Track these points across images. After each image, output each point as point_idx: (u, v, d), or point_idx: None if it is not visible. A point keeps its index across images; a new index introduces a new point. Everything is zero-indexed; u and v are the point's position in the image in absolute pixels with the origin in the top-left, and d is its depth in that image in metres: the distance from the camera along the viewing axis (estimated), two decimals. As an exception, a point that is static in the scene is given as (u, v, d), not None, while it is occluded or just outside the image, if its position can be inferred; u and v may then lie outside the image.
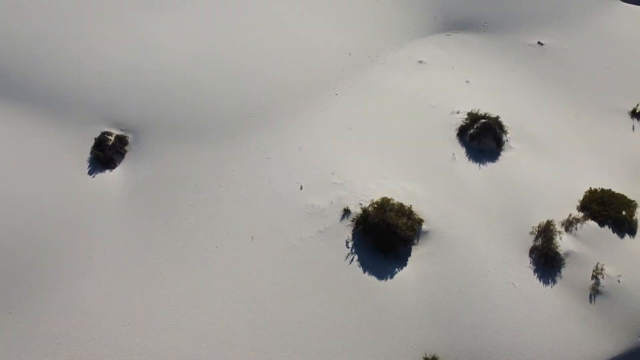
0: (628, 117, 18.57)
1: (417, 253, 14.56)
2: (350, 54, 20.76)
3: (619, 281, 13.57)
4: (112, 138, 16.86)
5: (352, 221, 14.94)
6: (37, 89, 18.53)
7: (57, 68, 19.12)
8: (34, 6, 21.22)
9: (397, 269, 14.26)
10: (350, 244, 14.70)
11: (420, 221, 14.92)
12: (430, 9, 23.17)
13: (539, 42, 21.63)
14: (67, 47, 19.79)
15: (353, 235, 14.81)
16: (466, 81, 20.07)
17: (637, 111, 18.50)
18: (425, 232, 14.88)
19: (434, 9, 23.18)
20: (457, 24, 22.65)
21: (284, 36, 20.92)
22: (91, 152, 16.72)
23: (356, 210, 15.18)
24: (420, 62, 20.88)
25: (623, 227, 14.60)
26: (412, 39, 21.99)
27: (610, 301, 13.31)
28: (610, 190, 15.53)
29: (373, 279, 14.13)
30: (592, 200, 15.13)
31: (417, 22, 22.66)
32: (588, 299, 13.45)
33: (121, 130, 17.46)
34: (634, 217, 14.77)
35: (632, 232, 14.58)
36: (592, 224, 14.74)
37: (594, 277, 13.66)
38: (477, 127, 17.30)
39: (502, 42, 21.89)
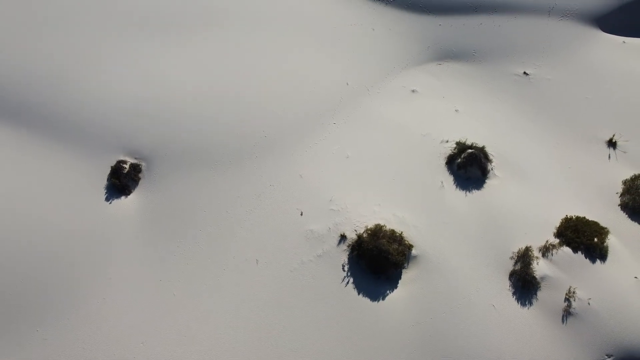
0: (605, 146, 20.00)
1: (407, 276, 15.98)
2: (347, 84, 22.19)
3: (589, 303, 14.98)
4: (127, 166, 18.29)
5: (348, 246, 16.36)
6: (57, 121, 19.97)
7: (75, 100, 20.55)
8: (53, 43, 22.66)
9: (388, 291, 15.68)
10: (346, 268, 16.12)
11: (410, 246, 16.34)
12: (423, 38, 24.62)
13: (524, 72, 23.07)
14: (83, 81, 21.23)
15: (349, 259, 16.23)
16: (455, 110, 21.51)
17: (613, 141, 19.93)
18: (415, 257, 16.31)
19: (427, 38, 24.62)
20: (448, 53, 24.10)
21: (286, 69, 22.35)
22: (108, 180, 18.15)
23: (352, 235, 16.61)
24: (413, 91, 22.33)
25: (594, 253, 16.01)
26: (406, 68, 23.45)
27: (581, 322, 14.73)
28: (584, 218, 16.95)
29: (366, 299, 15.54)
30: (567, 227, 16.56)
31: (410, 52, 24.11)
32: (561, 320, 14.88)
33: (135, 158, 18.90)
34: (605, 244, 16.18)
35: (603, 258, 15.99)
36: (566, 249, 16.16)
37: (567, 299, 15.08)
38: (464, 157, 18.73)
39: (491, 71, 23.33)
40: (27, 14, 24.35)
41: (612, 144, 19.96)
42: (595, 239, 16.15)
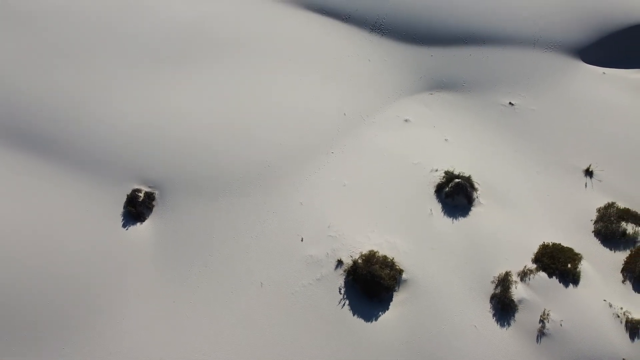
0: (582, 175, 21.65)
1: (398, 298, 17.62)
2: (345, 114, 23.86)
3: (561, 325, 16.61)
4: (142, 195, 19.94)
5: (345, 271, 18.01)
6: (75, 150, 21.63)
7: (91, 131, 22.22)
8: (69, 76, 24.34)
9: (380, 312, 17.32)
10: (342, 291, 17.77)
11: (400, 271, 17.99)
12: (416, 68, 26.30)
13: (510, 103, 24.74)
14: (98, 112, 22.92)
15: (345, 283, 17.88)
16: (445, 139, 23.18)
17: (590, 170, 21.59)
18: (405, 281, 17.95)
19: (420, 69, 26.30)
20: (439, 84, 25.77)
21: (288, 100, 24.02)
22: (124, 207, 19.79)
23: (348, 261, 18.25)
24: (406, 120, 24.00)
25: (568, 277, 17.66)
26: (400, 98, 25.12)
27: (553, 342, 16.36)
28: (559, 244, 18.61)
29: (361, 320, 17.18)
30: (544, 254, 18.21)
31: (404, 82, 25.79)
32: (535, 340, 16.51)
33: (149, 187, 20.55)
34: (577, 269, 17.82)
35: (575, 282, 17.64)
36: (542, 274, 17.81)
37: (541, 321, 16.72)
38: (451, 186, 20.39)
39: (479, 101, 25.00)
40: (44, 46, 26.02)
41: (588, 172, 21.61)
42: (569, 265, 17.80)
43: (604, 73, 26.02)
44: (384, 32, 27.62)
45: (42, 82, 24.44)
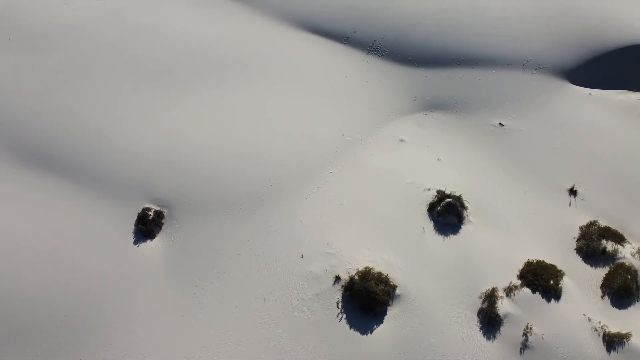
0: (567, 194, 22.94)
1: (392, 313, 18.91)
2: (343, 134, 25.15)
3: (543, 338, 17.89)
4: (152, 213, 21.23)
5: (342, 287, 19.29)
6: (87, 171, 22.98)
7: (102, 152, 23.55)
8: (80, 98, 25.66)
9: (375, 326, 18.60)
10: (340, 305, 19.05)
11: (394, 287, 19.28)
12: (412, 89, 27.61)
13: (500, 123, 26.03)
14: (109, 133, 24.22)
15: (342, 298, 19.15)
16: (438, 159, 24.48)
17: (574, 189, 22.88)
18: (398, 296, 19.24)
19: (415, 89, 27.62)
20: (433, 104, 27.07)
21: (289, 120, 25.32)
22: (135, 225, 21.09)
23: (345, 277, 19.53)
24: (401, 140, 25.29)
25: (550, 293, 18.94)
26: (395, 118, 26.42)
27: (535, 354, 17.64)
28: (543, 261, 19.90)
29: (357, 333, 18.46)
30: (528, 270, 19.50)
31: (400, 102, 27.10)
32: (519, 352, 17.79)
33: (158, 205, 21.84)
34: (559, 285, 19.11)
35: (557, 298, 18.93)
36: (526, 290, 19.09)
37: (525, 334, 18.00)
38: (443, 205, 21.68)
39: (470, 121, 26.31)
40: (58, 67, 27.31)
41: (573, 192, 22.90)
42: (551, 281, 19.09)
43: (590, 94, 27.31)
44: (380, 54, 28.94)
45: (57, 103, 25.73)
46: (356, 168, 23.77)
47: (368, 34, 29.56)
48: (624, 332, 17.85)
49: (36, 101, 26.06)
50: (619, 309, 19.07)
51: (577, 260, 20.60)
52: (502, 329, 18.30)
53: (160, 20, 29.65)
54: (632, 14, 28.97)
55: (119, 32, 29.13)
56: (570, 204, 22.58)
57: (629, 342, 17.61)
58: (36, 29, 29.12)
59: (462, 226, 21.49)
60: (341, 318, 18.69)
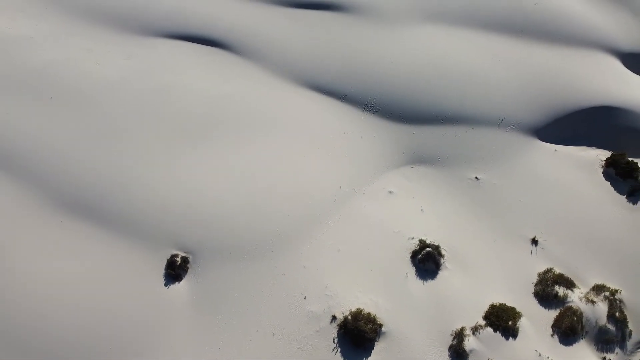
0: (529, 243, 27.07)
1: (378, 347, 23.00)
2: (340, 187, 29.30)
3: (500, 370, 22.03)
4: (179, 259, 25.38)
5: (338, 325, 23.40)
6: (122, 219, 27.01)
7: (135, 203, 27.59)
8: (118, 152, 29.72)
9: (364, 358, 22.71)
10: (335, 340, 23.15)
11: (380, 325, 23.38)
12: (400, 145, 31.73)
13: (476, 177, 30.17)
14: (142, 186, 28.28)
15: (337, 334, 23.25)
16: (421, 210, 28.61)
17: (535, 239, 27.00)
18: (384, 333, 23.34)
19: (403, 144, 31.73)
20: (419, 158, 31.20)
21: (293, 174, 29.41)
22: (165, 269, 25.24)
23: (340, 316, 23.64)
24: (390, 192, 29.41)
25: (509, 332, 23.05)
26: (386, 171, 30.52)
27: (493, 384, 21.77)
28: (504, 304, 24.00)
29: (349, 364, 22.61)
30: (491, 312, 23.61)
31: (390, 156, 31.21)
32: (481, 382, 21.92)
33: (184, 252, 25.97)
34: (517, 325, 23.21)
35: (514, 336, 23.03)
36: (489, 329, 23.20)
37: (486, 367, 22.13)
38: (423, 254, 25.80)
39: (450, 175, 30.45)
40: (91, 124, 31.47)
41: (534, 241, 27.03)
42: (510, 322, 23.21)
43: (555, 150, 31.47)
44: (374, 111, 33.14)
45: (94, 155, 29.84)
46: (351, 218, 27.89)
47: (364, 93, 33.76)
48: (566, 366, 21.96)
49: (75, 153, 30.13)
50: (565, 346, 23.18)
51: (534, 303, 24.73)
52: (468, 362, 22.40)
53: (182, 79, 33.87)
54: (593, 80, 33.21)
55: (146, 89, 33.33)
56: (531, 252, 26.71)
57: (570, 375, 21.71)
58: (73, 86, 33.29)
59: (439, 272, 25.62)
60: (337, 352, 22.78)
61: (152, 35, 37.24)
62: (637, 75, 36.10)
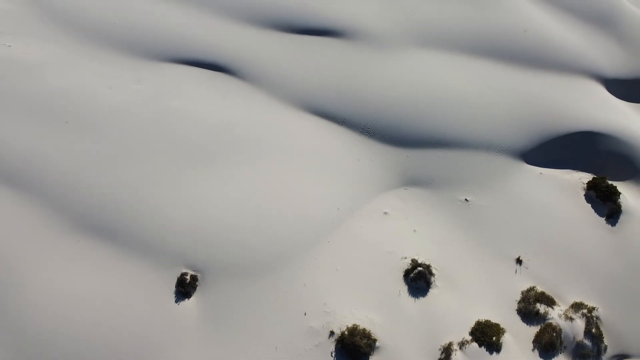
0: (514, 263, 29.08)
1: (372, 360, 25.05)
2: (338, 208, 31.32)
3: (484, 383, 24.02)
4: (188, 277, 27.38)
5: (335, 340, 25.40)
6: (137, 240, 29.02)
7: (147, 224, 29.64)
8: (129, 173, 31.72)
9: (360, 371, 24.71)
10: (333, 354, 25.13)
11: (375, 340, 25.38)
12: (396, 167, 33.71)
13: (465, 199, 32.19)
14: (154, 208, 30.33)
15: (335, 349, 25.24)
16: (414, 230, 30.64)
17: (519, 259, 29.01)
18: (378, 347, 25.33)
19: (398, 167, 33.71)
20: (413, 180, 33.20)
21: (294, 196, 31.43)
22: (176, 287, 27.25)
23: (337, 332, 25.62)
24: (385, 213, 31.43)
25: (493, 347, 25.04)
26: (381, 193, 32.53)
27: (478, 395, 23.76)
28: (489, 321, 25.99)
29: (346, 377, 24.59)
30: (477, 328, 25.61)
31: (385, 179, 33.22)
32: (466, 393, 23.90)
33: (193, 270, 27.98)
34: (500, 341, 25.21)
35: (498, 351, 25.02)
36: (475, 345, 25.20)
37: (471, 379, 24.13)
38: (415, 273, 27.81)
39: (442, 196, 32.46)
40: (104, 148, 33.49)
41: (519, 261, 29.04)
42: (494, 338, 25.21)
43: (540, 173, 33.49)
44: (371, 135, 35.16)
45: (107, 178, 31.87)
46: (348, 238, 29.90)
47: (361, 117, 35.80)
48: (544, 379, 23.97)
49: (90, 175, 32.13)
50: (545, 360, 25.20)
51: (517, 319, 26.73)
52: (455, 375, 24.39)
53: (189, 104, 35.91)
54: (578, 106, 35.30)
55: (155, 114, 35.35)
56: (516, 272, 28.73)
57: (548, 387, 23.73)
58: (87, 111, 35.31)
59: (430, 290, 27.62)
60: (334, 365, 24.81)
61: (160, 60, 39.30)
62: (620, 100, 38.18)
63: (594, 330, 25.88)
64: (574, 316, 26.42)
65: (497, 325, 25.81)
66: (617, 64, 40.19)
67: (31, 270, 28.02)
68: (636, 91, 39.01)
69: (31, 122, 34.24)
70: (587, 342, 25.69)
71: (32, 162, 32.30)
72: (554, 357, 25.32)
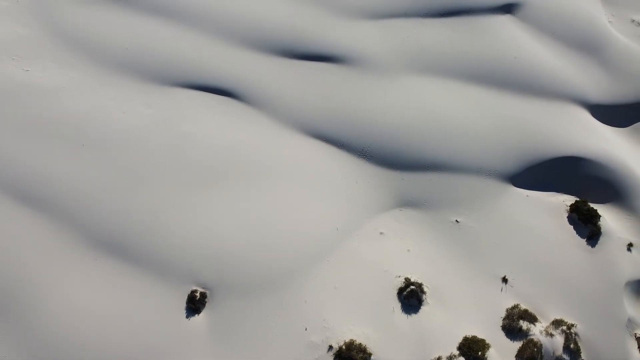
0: (500, 281, 31.33)
1: (368, 373, 27.25)
2: (337, 229, 33.60)
3: (470, 394, 26.22)
4: (198, 294, 29.64)
5: (333, 354, 27.63)
6: (150, 258, 31.31)
7: (158, 244, 31.91)
8: (141, 194, 34.02)
9: (356, 383, 26.93)
10: (332, 367, 27.41)
11: (370, 354, 27.61)
12: (391, 189, 35.96)
13: (456, 220, 34.46)
14: (163, 228, 32.60)
15: (333, 362, 27.53)
16: (407, 250, 32.90)
17: (505, 278, 31.25)
18: (373, 361, 27.61)
19: (394, 189, 35.95)
20: (407, 202, 35.46)
21: (296, 217, 33.65)
22: (186, 303, 29.51)
23: (336, 346, 27.86)
24: (381, 233, 33.70)
25: (478, 361, 27.30)
26: (378, 213, 34.79)
27: (464, 406, 25.96)
28: (476, 337, 28.20)
29: (343, 388, 26.81)
30: (464, 344, 27.83)
31: (381, 200, 35.49)
32: (453, 404, 26.11)
33: (203, 288, 30.24)
34: (485, 356, 27.45)
35: (483, 365, 27.29)
36: (462, 359, 27.43)
37: (458, 391, 26.34)
38: (408, 291, 30.07)
39: (434, 218, 34.72)
40: (120, 170, 35.77)
41: (504, 280, 31.29)
42: (480, 352, 27.44)
43: (527, 195, 35.74)
44: (368, 158, 37.42)
45: (122, 200, 34.15)
46: (346, 257, 32.15)
47: (359, 141, 38.06)
48: (524, 391, 26.15)
49: (105, 196, 34.40)
50: (526, 373, 27.37)
51: (502, 335, 28.96)
52: (443, 387, 26.62)
53: (198, 128, 38.21)
54: (563, 132, 37.60)
55: (166, 138, 37.61)
56: (501, 290, 30.97)
57: (527, 399, 25.90)
58: (102, 134, 37.58)
59: (422, 307, 29.86)
60: (332, 377, 27.02)
61: (170, 84, 41.59)
62: (604, 125, 40.49)
63: (572, 345, 28.08)
64: (554, 332, 28.63)
65: (482, 340, 28.03)
66: (602, 89, 42.49)
67: (51, 284, 30.26)
68: (620, 116, 41.31)
69: (49, 145, 36.51)
70: (566, 357, 27.90)
71: (51, 183, 34.55)
72: (534, 370, 27.54)
